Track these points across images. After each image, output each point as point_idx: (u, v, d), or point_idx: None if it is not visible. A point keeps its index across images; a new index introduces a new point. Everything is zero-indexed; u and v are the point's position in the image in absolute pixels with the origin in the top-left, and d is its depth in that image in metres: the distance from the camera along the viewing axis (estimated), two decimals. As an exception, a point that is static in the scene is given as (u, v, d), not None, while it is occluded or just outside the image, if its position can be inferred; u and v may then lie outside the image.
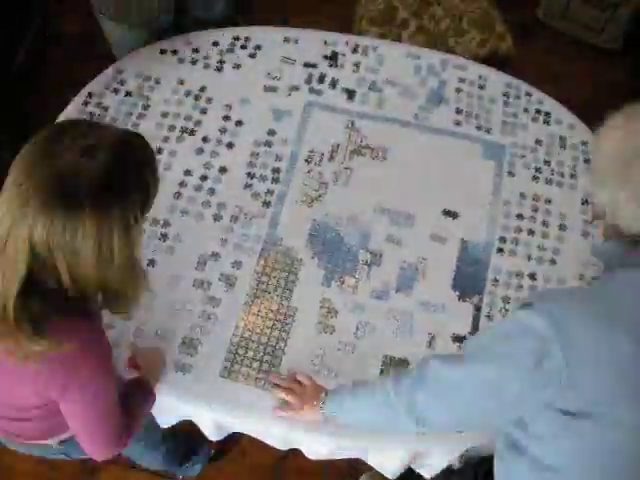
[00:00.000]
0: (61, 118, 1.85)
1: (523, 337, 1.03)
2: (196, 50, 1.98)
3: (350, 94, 1.93)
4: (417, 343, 1.60)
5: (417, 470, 1.67)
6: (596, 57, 3.10)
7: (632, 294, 1.04)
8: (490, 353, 1.08)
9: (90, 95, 1.89)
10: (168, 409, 1.61)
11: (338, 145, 1.85)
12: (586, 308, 1.03)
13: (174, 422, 1.68)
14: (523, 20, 3.08)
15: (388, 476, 1.66)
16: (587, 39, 3.14)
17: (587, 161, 1.86)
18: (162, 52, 1.98)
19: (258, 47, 2.00)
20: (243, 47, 2.00)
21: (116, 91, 1.90)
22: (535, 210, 1.78)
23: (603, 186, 1.07)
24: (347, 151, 1.84)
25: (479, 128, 1.90)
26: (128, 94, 1.90)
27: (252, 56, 1.98)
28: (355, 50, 2.01)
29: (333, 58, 1.99)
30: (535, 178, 1.83)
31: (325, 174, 1.80)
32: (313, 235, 1.71)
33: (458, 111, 1.92)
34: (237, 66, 1.97)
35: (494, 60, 2.25)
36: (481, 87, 1.97)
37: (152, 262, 1.65)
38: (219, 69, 1.96)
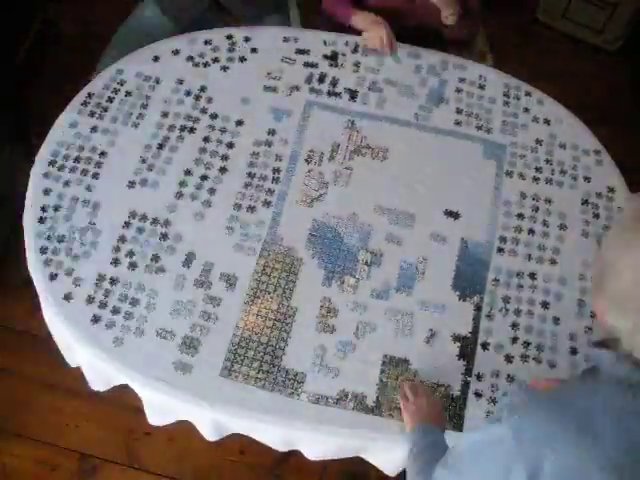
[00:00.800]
0: (62, 118, 1.85)
1: (491, 452, 1.01)
2: (196, 50, 1.98)
3: (350, 94, 1.93)
4: (417, 343, 1.60)
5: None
6: (596, 57, 3.10)
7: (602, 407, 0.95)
8: (464, 467, 1.08)
9: (90, 95, 1.89)
10: (167, 409, 1.61)
11: (338, 145, 1.84)
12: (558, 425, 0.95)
13: (171, 422, 1.68)
14: (522, 20, 3.09)
15: (388, 474, 1.65)
16: (587, 39, 3.14)
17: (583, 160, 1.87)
18: (162, 52, 1.98)
19: (258, 47, 2.00)
20: (243, 47, 2.00)
21: (116, 91, 1.90)
22: (535, 210, 1.78)
23: (625, 312, 0.93)
24: (347, 151, 1.84)
25: (479, 128, 1.90)
26: (128, 94, 1.90)
27: (252, 56, 1.98)
28: (355, 50, 2.01)
29: (333, 58, 1.99)
30: (535, 178, 1.83)
31: (325, 174, 1.80)
32: (313, 235, 1.71)
33: (458, 111, 1.92)
34: (237, 66, 1.96)
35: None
36: (481, 87, 1.97)
37: (153, 259, 1.66)
38: (219, 69, 1.96)
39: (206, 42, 2.00)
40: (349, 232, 1.72)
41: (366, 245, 1.71)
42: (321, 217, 1.74)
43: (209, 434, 1.67)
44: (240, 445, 2.15)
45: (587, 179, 1.84)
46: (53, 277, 1.62)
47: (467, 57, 2.09)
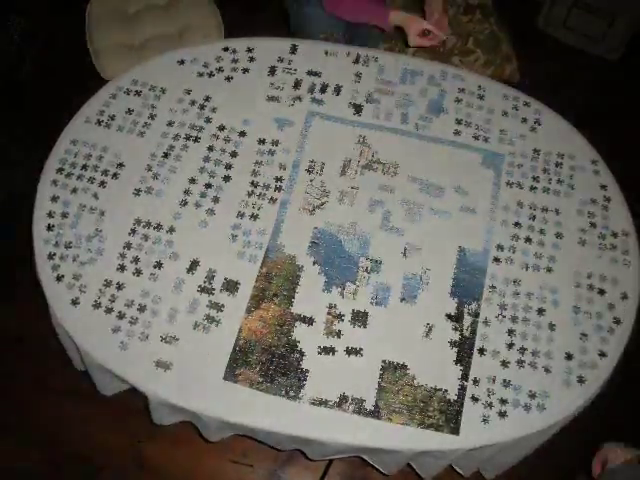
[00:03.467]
0: (69, 127, 1.88)
1: None
2: (201, 60, 2.02)
3: (352, 104, 1.97)
4: (415, 348, 1.63)
5: (416, 469, 1.70)
6: (596, 66, 3.12)
7: None
8: None
9: (95, 104, 1.93)
10: (171, 411, 1.65)
11: (344, 157, 1.88)
12: None
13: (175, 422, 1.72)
14: (523, 29, 3.11)
15: (386, 473, 1.68)
16: (587, 48, 3.16)
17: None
18: (168, 62, 2.02)
19: (260, 57, 2.04)
20: (247, 57, 2.03)
21: (122, 100, 1.94)
22: (532, 218, 1.81)
23: None
24: (349, 162, 1.87)
25: (478, 138, 1.93)
26: (133, 103, 1.93)
27: (255, 66, 2.02)
28: (356, 61, 2.05)
29: (335, 68, 2.02)
30: (533, 187, 1.86)
31: (327, 182, 1.84)
32: (314, 242, 1.75)
33: (458, 121, 1.95)
34: (241, 76, 2.00)
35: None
36: (480, 97, 2.00)
37: (158, 265, 1.70)
38: (223, 79, 1.99)
39: (210, 53, 2.04)
40: (350, 240, 1.76)
41: (366, 253, 1.74)
42: (322, 225, 1.77)
43: (212, 436, 1.70)
44: (243, 447, 2.19)
45: (584, 188, 1.87)
46: (60, 282, 1.66)
47: (493, 60, 2.08)
